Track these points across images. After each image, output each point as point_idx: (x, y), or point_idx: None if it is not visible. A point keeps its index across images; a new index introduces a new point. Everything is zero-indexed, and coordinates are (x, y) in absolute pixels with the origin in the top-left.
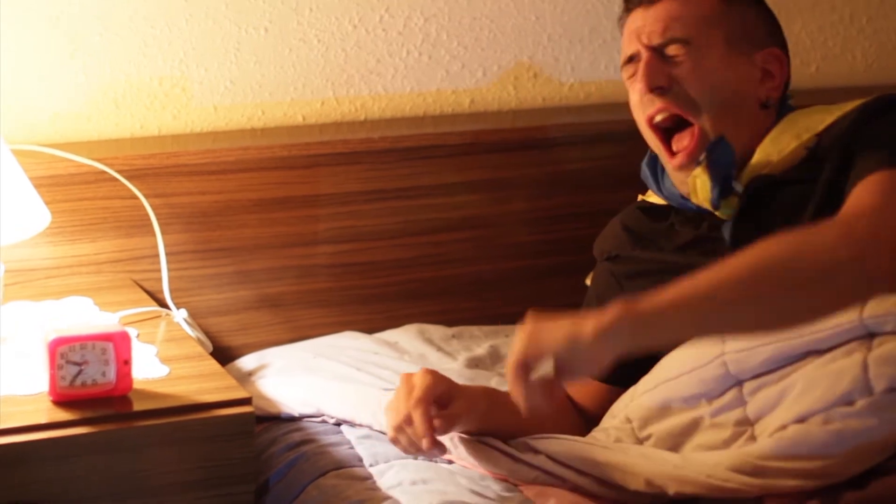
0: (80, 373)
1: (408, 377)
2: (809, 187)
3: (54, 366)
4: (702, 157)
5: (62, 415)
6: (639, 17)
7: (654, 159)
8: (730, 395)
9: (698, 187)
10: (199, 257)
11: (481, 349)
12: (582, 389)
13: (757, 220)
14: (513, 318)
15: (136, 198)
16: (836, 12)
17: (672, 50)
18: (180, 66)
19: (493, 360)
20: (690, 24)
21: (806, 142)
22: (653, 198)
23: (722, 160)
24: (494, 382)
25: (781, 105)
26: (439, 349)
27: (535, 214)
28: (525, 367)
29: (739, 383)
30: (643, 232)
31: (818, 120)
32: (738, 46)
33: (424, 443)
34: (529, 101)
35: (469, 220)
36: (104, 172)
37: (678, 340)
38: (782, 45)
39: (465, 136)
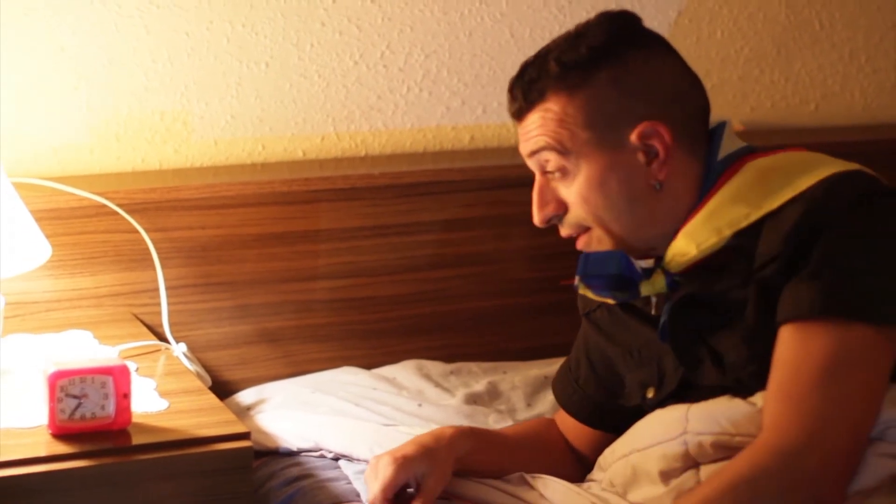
0: (79, 406)
1: (375, 463)
2: (730, 279)
3: (54, 399)
4: (576, 280)
5: (61, 448)
6: (519, 127)
7: None
8: (687, 476)
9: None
10: (199, 291)
11: (479, 385)
12: (574, 434)
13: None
14: (512, 355)
15: (136, 232)
16: (836, 51)
17: (551, 165)
18: (182, 101)
19: (491, 396)
20: (554, 130)
21: (725, 238)
22: None
23: (596, 275)
24: (492, 419)
25: (712, 144)
26: (437, 385)
27: (534, 251)
28: None
29: (696, 465)
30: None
31: (742, 215)
32: (607, 137)
33: None
34: None
35: (468, 257)
36: (105, 206)
37: None
38: (662, 104)
39: (465, 173)
